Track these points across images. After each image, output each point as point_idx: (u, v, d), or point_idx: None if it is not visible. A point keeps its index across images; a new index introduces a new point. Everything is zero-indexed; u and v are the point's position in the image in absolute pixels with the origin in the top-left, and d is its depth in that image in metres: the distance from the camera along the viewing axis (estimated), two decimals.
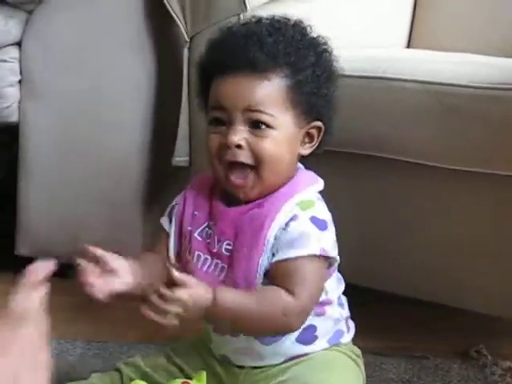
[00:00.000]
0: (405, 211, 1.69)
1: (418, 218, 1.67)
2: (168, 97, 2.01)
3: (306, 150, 1.43)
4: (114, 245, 2.03)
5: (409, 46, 2.22)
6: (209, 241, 1.44)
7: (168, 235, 1.51)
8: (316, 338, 1.46)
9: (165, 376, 1.50)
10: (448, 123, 1.57)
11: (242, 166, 1.36)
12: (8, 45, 2.07)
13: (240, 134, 1.35)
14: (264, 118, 1.35)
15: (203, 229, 1.45)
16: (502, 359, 1.72)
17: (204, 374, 1.45)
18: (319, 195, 1.43)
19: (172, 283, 1.27)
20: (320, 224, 1.39)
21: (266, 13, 1.73)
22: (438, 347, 1.77)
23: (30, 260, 2.06)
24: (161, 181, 2.05)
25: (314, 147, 1.43)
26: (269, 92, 1.36)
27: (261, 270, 1.37)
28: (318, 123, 1.42)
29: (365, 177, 1.72)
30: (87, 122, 2.05)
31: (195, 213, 1.47)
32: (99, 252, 1.47)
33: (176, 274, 1.26)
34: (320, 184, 1.45)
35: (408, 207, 1.68)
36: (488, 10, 2.15)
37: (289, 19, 1.45)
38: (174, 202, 1.52)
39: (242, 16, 1.77)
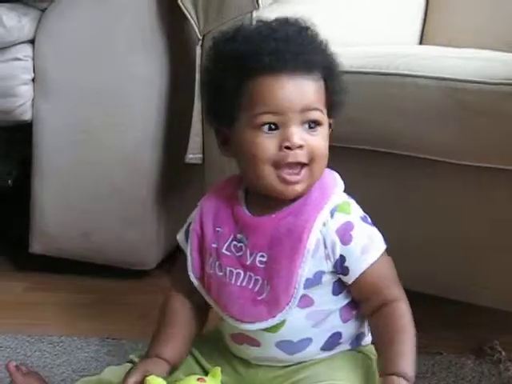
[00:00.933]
0: (419, 208, 1.69)
1: (433, 214, 1.68)
2: (180, 94, 2.02)
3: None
4: (127, 241, 2.06)
5: (421, 42, 2.22)
6: (240, 254, 1.42)
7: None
8: (339, 344, 1.46)
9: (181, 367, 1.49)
10: (461, 119, 1.57)
11: (296, 165, 1.36)
12: (21, 42, 2.08)
13: (300, 135, 1.34)
14: (318, 115, 1.36)
15: (230, 242, 1.43)
16: None
17: (219, 369, 1.44)
18: (344, 193, 1.43)
19: None
20: (367, 221, 1.41)
21: (276, 12, 1.75)
22: (451, 343, 1.78)
23: (43, 257, 2.09)
24: (173, 178, 2.06)
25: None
26: (317, 91, 1.36)
27: (301, 281, 1.36)
28: (331, 120, 1.42)
29: (377, 174, 1.73)
30: (100, 120, 2.06)
31: (217, 229, 1.45)
32: None
33: None
34: (341, 182, 1.44)
35: (422, 204, 1.69)
36: (499, 7, 2.15)
37: (297, 19, 1.44)
38: (188, 220, 1.51)
39: (254, 14, 1.77)
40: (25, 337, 1.82)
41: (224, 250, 1.43)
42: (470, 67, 1.60)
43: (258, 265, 1.39)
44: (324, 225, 1.36)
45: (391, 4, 2.17)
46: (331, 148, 1.49)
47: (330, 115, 1.40)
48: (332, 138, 1.43)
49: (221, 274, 1.42)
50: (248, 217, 1.42)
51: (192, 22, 1.84)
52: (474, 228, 1.63)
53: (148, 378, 1.40)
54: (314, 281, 1.37)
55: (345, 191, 1.43)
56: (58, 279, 2.11)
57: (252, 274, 1.40)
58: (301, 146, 1.33)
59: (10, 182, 2.14)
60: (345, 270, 1.37)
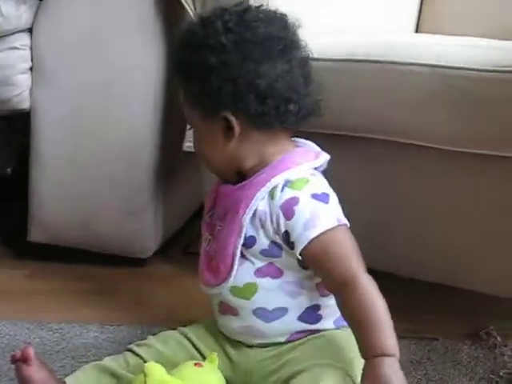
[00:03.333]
0: (415, 194, 1.70)
1: (429, 201, 1.69)
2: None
3: (233, 141, 1.46)
4: (125, 230, 2.07)
5: (417, 30, 2.22)
6: (213, 222, 1.51)
7: None
8: (320, 316, 1.49)
9: (178, 352, 1.54)
10: (457, 106, 1.59)
11: None
12: (19, 31, 2.08)
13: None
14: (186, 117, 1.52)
15: (209, 212, 1.54)
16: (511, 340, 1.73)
17: (215, 355, 1.48)
18: (314, 171, 1.46)
19: None
20: (322, 198, 1.42)
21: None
22: (447, 329, 1.78)
23: (43, 246, 2.09)
24: (171, 168, 2.06)
25: (236, 134, 1.45)
26: (182, 98, 1.51)
27: (238, 253, 1.43)
28: (222, 115, 1.44)
29: (374, 160, 1.74)
30: (98, 108, 2.06)
31: (210, 197, 1.55)
32: None
33: None
34: (318, 160, 1.47)
35: (418, 190, 1.70)
36: None
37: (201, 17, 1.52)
38: None
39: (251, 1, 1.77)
40: (24, 323, 1.83)
41: (206, 219, 1.54)
42: (466, 55, 1.61)
43: (216, 232, 1.47)
44: (272, 198, 1.41)
45: None
46: (324, 136, 1.52)
47: (222, 109, 1.45)
48: (314, 126, 1.49)
49: (204, 241, 1.53)
50: (221, 188, 1.51)
51: (188, 8, 1.85)
52: (473, 215, 1.64)
53: (146, 365, 1.42)
54: (271, 252, 1.43)
55: (341, 177, 1.48)
56: (57, 267, 2.11)
57: (213, 241, 1.49)
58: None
59: (8, 170, 2.15)
60: (292, 245, 1.40)
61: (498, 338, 1.74)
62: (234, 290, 1.46)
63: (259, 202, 1.41)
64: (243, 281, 1.45)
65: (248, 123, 1.44)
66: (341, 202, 1.45)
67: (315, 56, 1.59)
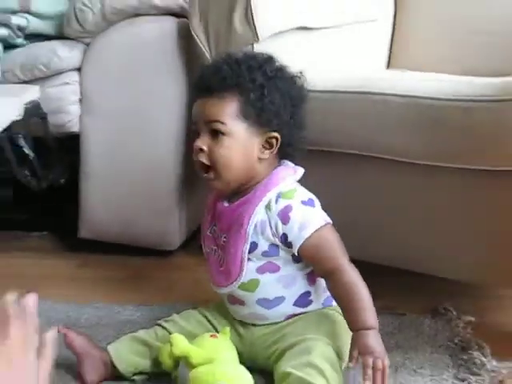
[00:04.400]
0: (387, 199, 1.69)
1: (398, 203, 1.67)
2: None
3: (265, 155, 1.44)
4: (156, 227, 2.07)
5: (388, 67, 2.21)
6: (215, 236, 1.49)
7: None
8: (311, 301, 1.50)
9: (197, 327, 1.54)
10: (420, 128, 1.56)
11: (205, 165, 1.42)
12: (70, 70, 2.09)
13: (203, 141, 1.41)
14: (219, 126, 1.40)
15: (210, 227, 1.51)
16: (464, 314, 1.72)
17: (228, 329, 1.49)
18: (297, 183, 1.46)
19: None
20: (310, 203, 1.44)
21: (273, 43, 1.74)
22: (413, 306, 1.77)
23: (89, 242, 2.09)
24: (191, 178, 2.06)
25: (273, 152, 1.45)
26: (221, 107, 1.40)
27: (246, 257, 1.42)
28: (275, 134, 1.43)
29: (353, 171, 1.72)
30: (133, 132, 2.06)
31: (207, 216, 1.53)
32: None
33: None
34: (297, 174, 1.47)
35: (389, 196, 1.68)
36: (454, 38, 2.14)
37: (255, 54, 1.51)
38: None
39: (254, 45, 1.76)
40: (76, 303, 1.83)
41: (208, 233, 1.51)
42: (430, 87, 1.59)
43: (222, 243, 1.46)
44: (269, 209, 1.40)
45: (364, 36, 2.16)
46: (312, 152, 1.50)
47: (271, 129, 1.43)
48: (310, 144, 1.49)
49: (208, 251, 1.51)
50: (218, 206, 1.49)
51: (204, 51, 1.84)
52: (433, 214, 1.63)
53: (172, 336, 1.42)
54: (270, 252, 1.43)
55: (324, 185, 1.53)
56: (101, 258, 2.11)
57: (219, 251, 1.47)
58: (201, 150, 1.41)
59: (62, 181, 2.15)
60: (289, 245, 1.41)
61: (454, 313, 1.72)
62: (241, 286, 1.46)
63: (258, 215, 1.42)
64: (248, 277, 1.45)
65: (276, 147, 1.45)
66: (326, 204, 1.46)
67: (309, 88, 1.59)
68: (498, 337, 1.63)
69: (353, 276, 1.40)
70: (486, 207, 1.55)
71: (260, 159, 1.43)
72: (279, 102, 1.43)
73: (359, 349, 1.34)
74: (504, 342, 1.61)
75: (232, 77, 1.40)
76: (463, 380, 1.47)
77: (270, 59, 1.47)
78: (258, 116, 1.41)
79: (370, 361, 1.32)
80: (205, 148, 1.40)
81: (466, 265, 1.61)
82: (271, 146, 1.43)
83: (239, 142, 1.40)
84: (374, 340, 1.35)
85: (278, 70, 1.46)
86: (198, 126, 1.42)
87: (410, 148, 1.59)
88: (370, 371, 1.32)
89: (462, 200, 1.58)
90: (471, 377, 1.48)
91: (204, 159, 1.41)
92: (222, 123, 1.39)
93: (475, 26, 2.09)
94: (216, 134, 1.40)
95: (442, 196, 1.60)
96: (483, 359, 1.53)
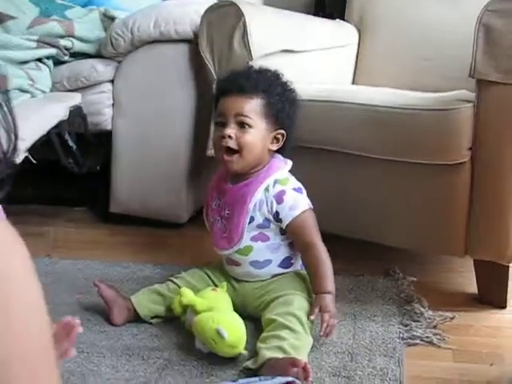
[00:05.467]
0: (349, 185, 1.68)
1: (357, 188, 1.67)
2: (204, 113, 2.01)
3: (274, 147, 1.46)
4: (169, 205, 2.05)
5: (353, 82, 2.20)
6: (220, 208, 1.49)
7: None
8: (292, 264, 1.52)
9: (201, 282, 1.54)
10: (377, 129, 1.56)
11: (231, 150, 1.42)
12: (106, 81, 2.08)
13: (232, 130, 1.41)
14: (247, 120, 1.41)
15: (216, 201, 1.51)
16: (408, 276, 1.72)
17: (225, 284, 1.49)
18: (289, 173, 1.48)
19: None
20: (299, 190, 1.46)
21: (263, 62, 1.74)
22: (369, 269, 1.77)
23: (118, 215, 2.08)
24: (199, 165, 2.06)
25: (279, 146, 1.47)
26: (250, 105, 1.42)
27: (245, 227, 1.43)
28: (282, 131, 1.46)
29: (325, 161, 1.71)
30: (153, 129, 2.05)
31: (213, 192, 1.53)
32: None
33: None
34: (288, 165, 1.48)
35: (354, 183, 1.67)
36: (404, 62, 2.12)
37: (270, 68, 1.52)
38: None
39: (249, 62, 1.75)
40: (107, 263, 1.83)
41: (213, 206, 1.51)
42: (384, 99, 1.59)
43: (226, 215, 1.46)
44: (267, 191, 1.42)
45: (334, 58, 2.15)
46: (299, 148, 1.49)
47: (280, 127, 1.45)
48: (296, 141, 1.50)
49: (212, 220, 1.52)
50: (223, 186, 1.49)
51: (210, 68, 1.83)
52: (388, 197, 1.62)
53: (181, 289, 1.42)
54: (263, 225, 1.44)
55: (304, 174, 1.50)
56: (127, 228, 2.09)
57: (223, 221, 1.47)
58: (230, 136, 1.40)
59: (98, 167, 2.14)
60: (279, 220, 1.43)
61: (401, 274, 1.72)
62: (237, 251, 1.47)
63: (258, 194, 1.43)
64: (243, 244, 1.46)
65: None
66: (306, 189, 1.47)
67: None
68: (434, 293, 1.64)
69: (323, 252, 1.42)
70: (425, 192, 1.55)
71: (269, 150, 1.45)
72: (289, 108, 1.46)
73: (320, 307, 1.37)
74: (437, 296, 1.62)
75: (261, 84, 1.43)
76: (406, 325, 1.49)
77: (280, 74, 1.50)
78: (274, 116, 1.43)
79: (327, 317, 1.36)
80: (233, 135, 1.40)
81: (409, 236, 1.60)
82: (278, 140, 1.46)
83: (260, 134, 1.42)
84: (330, 302, 1.38)
85: (287, 82, 1.49)
86: (226, 118, 1.42)
87: (366, 145, 1.59)
88: (325, 325, 1.35)
89: (406, 185, 1.58)
90: (413, 323, 1.49)
91: (232, 144, 1.41)
92: (250, 118, 1.41)
93: (420, 52, 2.09)
94: (243, 125, 1.41)
95: (391, 182, 1.60)
96: (422, 309, 1.54)
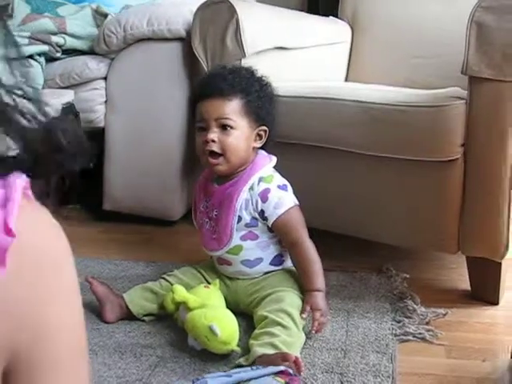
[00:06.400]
0: (341, 181, 1.68)
1: (350, 185, 1.67)
2: None
3: (258, 144, 1.47)
4: (162, 202, 2.05)
5: (346, 80, 2.21)
6: (207, 210, 1.49)
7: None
8: (283, 261, 1.52)
9: (193, 279, 1.54)
10: (370, 126, 1.56)
11: (215, 153, 1.42)
12: (98, 78, 2.08)
13: (214, 134, 1.40)
14: (228, 122, 1.41)
15: (203, 203, 1.51)
16: (401, 272, 1.72)
17: (218, 281, 1.49)
18: (273, 169, 1.48)
19: None
20: (284, 187, 1.45)
21: (256, 59, 1.74)
22: (362, 266, 1.78)
23: (111, 213, 2.08)
24: (192, 162, 2.05)
25: (263, 142, 1.47)
26: (230, 107, 1.41)
27: (234, 227, 1.43)
28: (264, 127, 1.47)
29: (317, 158, 1.71)
30: (146, 126, 2.05)
31: (200, 193, 1.52)
32: None
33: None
34: (273, 162, 1.48)
35: (345, 180, 1.67)
36: (396, 59, 2.13)
37: (243, 66, 1.54)
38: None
39: (242, 60, 1.76)
40: (98, 260, 1.83)
41: (201, 208, 1.51)
42: (378, 95, 1.60)
43: (214, 216, 1.46)
44: (252, 190, 1.42)
45: (328, 55, 2.16)
46: (287, 144, 1.49)
47: (261, 123, 1.45)
48: (281, 137, 1.51)
49: (200, 222, 1.51)
50: (210, 188, 1.49)
51: (203, 65, 1.83)
52: (378, 193, 1.63)
53: (174, 286, 1.41)
54: (251, 223, 1.44)
55: (293, 170, 1.51)
56: (119, 226, 2.10)
57: (211, 222, 1.47)
58: (213, 141, 1.40)
59: (91, 165, 2.11)
60: (265, 219, 1.43)
61: (394, 271, 1.73)
62: (228, 251, 1.47)
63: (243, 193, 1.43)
64: (233, 244, 1.46)
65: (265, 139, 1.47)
66: (294, 186, 1.47)
67: (284, 94, 1.59)
68: (426, 289, 1.64)
69: (310, 249, 1.42)
70: (417, 188, 1.55)
71: (253, 148, 1.46)
72: (268, 103, 1.46)
73: (311, 305, 1.38)
74: (430, 293, 1.63)
75: (238, 84, 1.43)
76: (399, 322, 1.49)
77: (254, 70, 1.50)
78: (255, 114, 1.43)
79: (318, 315, 1.37)
80: (216, 139, 1.40)
81: (401, 233, 1.61)
82: (261, 137, 1.46)
83: (243, 134, 1.42)
84: (321, 300, 1.39)
85: (262, 77, 1.49)
86: (208, 123, 1.41)
87: (359, 141, 1.59)
88: (316, 323, 1.37)
89: (398, 182, 1.58)
90: (405, 319, 1.50)
91: (215, 148, 1.41)
92: (232, 119, 1.41)
93: (413, 49, 2.10)
94: (225, 128, 1.41)
95: (383, 179, 1.61)
96: (415, 306, 1.54)
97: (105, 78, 2.08)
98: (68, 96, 1.96)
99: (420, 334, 1.44)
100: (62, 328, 0.53)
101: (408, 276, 1.69)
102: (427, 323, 1.49)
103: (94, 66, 2.06)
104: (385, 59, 2.15)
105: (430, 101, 1.49)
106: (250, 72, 1.49)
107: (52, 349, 0.52)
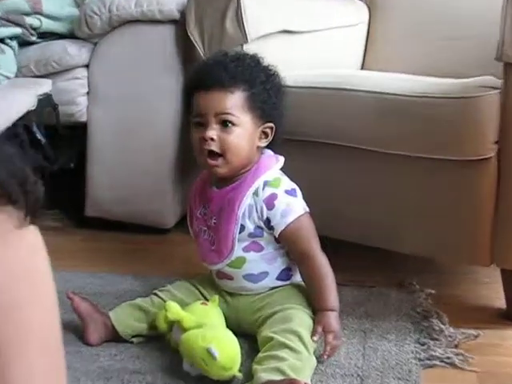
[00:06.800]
0: (358, 184, 1.67)
1: (366, 188, 1.66)
2: None
3: (263, 143, 1.46)
4: (154, 207, 2.06)
5: (362, 68, 2.21)
6: (205, 217, 1.48)
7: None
8: (292, 275, 1.50)
9: (189, 295, 1.53)
10: (389, 121, 1.55)
11: (215, 153, 1.40)
12: (80, 66, 2.08)
13: (213, 131, 1.39)
14: (230, 118, 1.39)
15: (201, 209, 1.50)
16: (426, 288, 1.71)
17: (217, 297, 1.50)
18: (281, 171, 1.47)
19: None
20: (292, 192, 1.44)
21: (259, 44, 1.74)
22: (381, 280, 1.77)
23: (94, 220, 2.08)
24: (187, 162, 2.06)
25: (269, 141, 1.46)
26: (232, 100, 1.40)
27: (236, 238, 1.42)
28: (271, 124, 1.45)
29: (329, 158, 1.70)
30: (135, 121, 2.05)
31: (197, 198, 1.52)
32: None
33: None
34: (280, 162, 1.47)
35: (361, 182, 1.66)
36: (420, 43, 2.13)
37: (247, 53, 1.52)
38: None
39: (244, 45, 1.75)
40: (80, 273, 1.83)
41: (198, 214, 1.50)
42: (396, 85, 1.59)
43: (213, 225, 1.45)
44: (257, 195, 1.40)
45: (341, 40, 2.16)
46: (292, 141, 1.48)
47: (267, 120, 1.44)
48: (286, 133, 1.49)
49: (197, 230, 1.51)
50: (208, 192, 1.48)
51: (199, 49, 1.83)
52: (397, 196, 1.62)
53: (167, 303, 1.43)
54: (255, 233, 1.43)
55: (302, 170, 1.52)
56: (104, 234, 2.10)
57: (210, 231, 1.46)
58: (212, 139, 1.38)
59: (72, 165, 2.14)
60: (271, 228, 1.41)
61: (417, 286, 1.72)
62: (229, 263, 1.46)
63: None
64: (235, 256, 1.45)
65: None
66: (303, 187, 1.46)
67: (291, 84, 1.59)
68: (455, 307, 1.63)
69: (322, 262, 1.42)
70: (444, 192, 1.54)
71: (258, 147, 1.45)
72: (275, 96, 1.45)
73: (323, 326, 1.38)
74: (459, 311, 1.62)
75: (241, 74, 1.41)
76: (423, 344, 1.48)
77: (260, 58, 1.48)
78: (260, 109, 1.42)
79: (331, 338, 1.37)
80: (215, 137, 1.39)
81: (426, 243, 1.60)
82: (267, 135, 1.45)
83: (247, 131, 1.41)
84: (335, 321, 1.39)
85: (268, 67, 1.48)
86: (206, 118, 1.40)
87: (377, 138, 1.58)
88: (329, 347, 1.37)
89: (423, 184, 1.57)
90: (431, 341, 1.49)
91: (214, 147, 1.39)
92: (233, 115, 1.39)
93: (438, 32, 2.09)
94: (226, 124, 1.39)
95: (405, 181, 1.60)
96: (441, 326, 1.53)
97: (87, 66, 2.07)
98: (45, 86, 1.96)
99: (448, 358, 1.43)
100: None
101: (434, 292, 1.68)
102: (456, 346, 1.48)
103: (75, 51, 2.05)
104: (406, 43, 2.14)
105: (458, 91, 1.47)
106: (255, 60, 1.47)
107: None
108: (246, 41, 1.76)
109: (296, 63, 1.79)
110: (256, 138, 1.44)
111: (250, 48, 1.70)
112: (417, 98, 1.51)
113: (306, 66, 1.87)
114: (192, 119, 1.45)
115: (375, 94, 1.56)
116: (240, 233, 1.43)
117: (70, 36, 2.10)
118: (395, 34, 2.17)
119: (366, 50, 2.22)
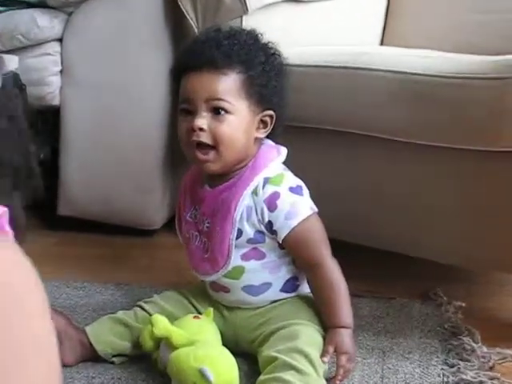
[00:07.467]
0: (376, 181, 1.69)
1: (384, 184, 1.68)
2: None
3: (261, 134, 1.44)
4: (137, 206, 2.07)
5: (382, 43, 2.21)
6: (196, 220, 1.48)
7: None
8: (298, 286, 1.50)
9: (179, 308, 1.53)
10: (413, 106, 1.57)
11: (205, 145, 1.38)
12: (51, 40, 2.08)
13: (203, 120, 1.37)
14: (222, 104, 1.37)
15: (191, 211, 1.50)
16: (455, 300, 1.72)
17: (211, 310, 1.49)
18: (283, 166, 1.45)
19: None
20: (298, 190, 1.42)
21: (261, 16, 1.74)
22: (402, 290, 1.78)
23: (69, 220, 2.09)
24: (176, 154, 2.05)
25: (268, 132, 1.44)
26: (225, 84, 1.38)
27: (233, 244, 1.41)
28: (270, 112, 1.43)
29: (340, 149, 1.72)
30: (117, 105, 2.06)
31: (186, 198, 1.51)
32: None
33: None
34: (282, 155, 1.46)
35: (379, 178, 1.68)
36: (451, 16, 2.14)
37: (244, 29, 1.49)
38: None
39: (243, 17, 1.76)
40: (53, 282, 1.83)
41: (187, 217, 1.49)
42: (421, 63, 1.60)
43: (205, 229, 1.44)
44: (256, 194, 1.39)
45: (358, 12, 2.16)
46: (298, 128, 1.48)
47: (268, 108, 1.42)
48: (291, 119, 1.48)
49: (187, 235, 1.50)
50: (199, 191, 1.47)
51: (191, 22, 1.84)
52: (421, 196, 1.64)
53: (153, 317, 1.42)
54: (255, 239, 1.42)
55: (302, 165, 1.48)
56: (80, 236, 2.12)
57: (202, 237, 1.45)
58: (202, 129, 1.36)
59: (41, 156, 2.14)
60: (274, 232, 1.40)
61: (444, 298, 1.73)
62: (226, 274, 1.46)
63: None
64: (232, 265, 1.44)
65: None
66: (316, 185, 1.46)
67: (296, 62, 1.59)
68: (489, 323, 1.64)
69: (333, 271, 1.42)
70: (474, 189, 1.56)
71: (256, 139, 1.43)
72: (276, 80, 1.43)
73: (336, 347, 1.38)
74: (494, 327, 1.62)
75: (237, 53, 1.39)
76: (452, 366, 1.48)
77: (258, 35, 1.46)
78: (258, 94, 1.40)
79: (344, 361, 1.37)
80: (205, 127, 1.37)
81: (454, 248, 1.62)
82: (266, 124, 1.43)
83: (243, 120, 1.39)
84: (349, 340, 1.39)
85: (268, 44, 1.46)
86: (195, 104, 1.37)
87: (398, 126, 1.60)
88: (342, 371, 1.37)
89: (450, 180, 1.59)
90: (461, 362, 1.49)
91: (205, 139, 1.37)
92: (227, 101, 1.37)
93: (471, 2, 2.10)
94: (218, 112, 1.37)
95: (430, 176, 1.61)
96: (473, 345, 1.54)
97: (60, 40, 2.08)
98: (11, 63, 1.96)
99: (481, 382, 1.43)
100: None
101: (464, 305, 1.69)
102: (491, 368, 1.48)
103: (46, 23, 2.05)
104: (434, 15, 2.15)
105: (495, 70, 1.48)
106: (252, 37, 1.44)
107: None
108: (246, 11, 1.76)
109: (302, 39, 1.80)
110: (253, 127, 1.41)
111: (249, 21, 1.71)
112: (446, 79, 1.52)
113: (314, 42, 1.87)
114: (179, 106, 1.42)
115: (398, 75, 1.57)
116: (237, 238, 1.41)
117: (40, 4, 2.09)
118: (419, 4, 2.18)
119: (385, 23, 2.23)
